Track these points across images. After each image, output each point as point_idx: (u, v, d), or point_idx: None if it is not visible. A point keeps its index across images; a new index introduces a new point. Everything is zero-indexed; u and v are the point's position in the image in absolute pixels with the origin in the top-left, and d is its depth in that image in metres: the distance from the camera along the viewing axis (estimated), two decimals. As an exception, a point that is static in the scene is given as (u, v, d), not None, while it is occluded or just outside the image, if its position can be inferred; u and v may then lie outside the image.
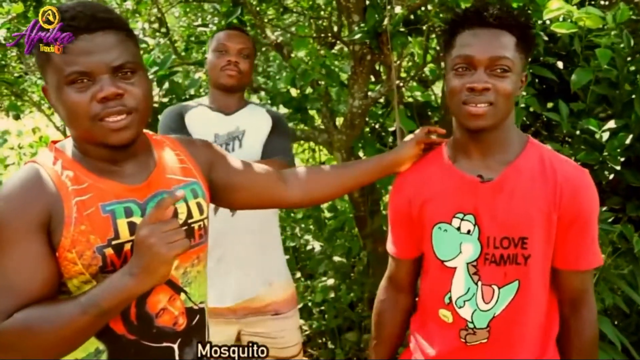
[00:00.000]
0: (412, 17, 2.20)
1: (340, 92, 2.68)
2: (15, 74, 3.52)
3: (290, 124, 2.56)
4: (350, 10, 2.20)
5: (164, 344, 1.07)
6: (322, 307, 2.92)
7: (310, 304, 3.03)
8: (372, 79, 2.66)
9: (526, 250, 1.17)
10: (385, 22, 1.97)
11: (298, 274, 3.28)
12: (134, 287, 0.94)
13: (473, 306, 1.21)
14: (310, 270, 3.15)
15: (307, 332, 2.99)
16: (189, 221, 1.11)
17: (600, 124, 1.73)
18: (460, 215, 1.20)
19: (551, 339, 1.26)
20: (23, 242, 0.94)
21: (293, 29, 3.47)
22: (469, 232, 1.20)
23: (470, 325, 1.22)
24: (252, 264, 1.80)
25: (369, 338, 1.51)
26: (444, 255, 1.23)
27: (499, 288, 1.19)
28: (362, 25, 2.12)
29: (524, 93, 1.80)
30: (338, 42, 3.01)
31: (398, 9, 2.04)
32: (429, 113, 2.65)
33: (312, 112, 2.66)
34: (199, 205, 1.13)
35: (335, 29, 2.98)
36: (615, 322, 1.95)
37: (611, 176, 1.72)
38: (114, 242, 0.99)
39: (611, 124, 1.71)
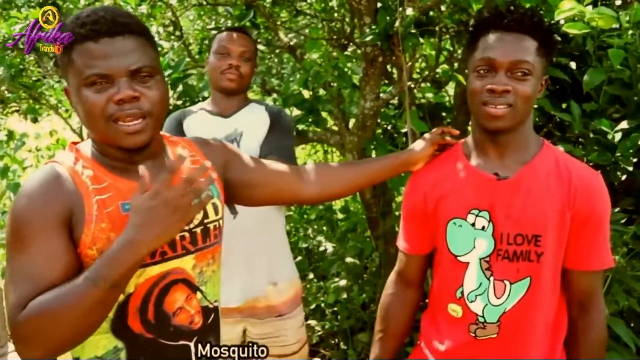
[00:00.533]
0: (424, 18, 2.20)
1: (353, 93, 2.69)
2: (34, 78, 3.58)
3: (302, 126, 2.57)
4: (361, 12, 2.21)
5: (181, 342, 1.09)
6: (335, 308, 2.92)
7: (322, 304, 3.04)
8: (385, 80, 2.67)
9: (539, 248, 1.19)
10: (397, 24, 1.98)
11: (311, 275, 3.29)
12: (134, 247, 0.92)
13: (484, 301, 1.23)
14: (322, 272, 3.16)
15: (319, 333, 3.00)
16: (205, 221, 1.13)
17: (613, 124, 1.72)
18: (476, 212, 1.23)
19: (559, 340, 1.27)
20: (44, 237, 0.96)
21: (306, 31, 3.49)
22: (483, 228, 1.22)
23: (481, 320, 1.24)
24: (256, 264, 1.81)
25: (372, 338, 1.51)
26: (458, 250, 1.25)
27: (511, 284, 1.21)
28: (373, 27, 2.13)
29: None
30: (351, 44, 3.02)
31: (409, 11, 2.04)
32: (442, 114, 2.65)
33: (325, 114, 2.68)
34: (214, 206, 1.16)
35: (348, 30, 2.99)
36: (632, 325, 1.93)
37: (624, 177, 1.71)
38: None
39: (624, 124, 1.70)
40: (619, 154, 1.67)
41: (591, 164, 1.75)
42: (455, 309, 1.27)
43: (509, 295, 1.22)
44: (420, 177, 1.34)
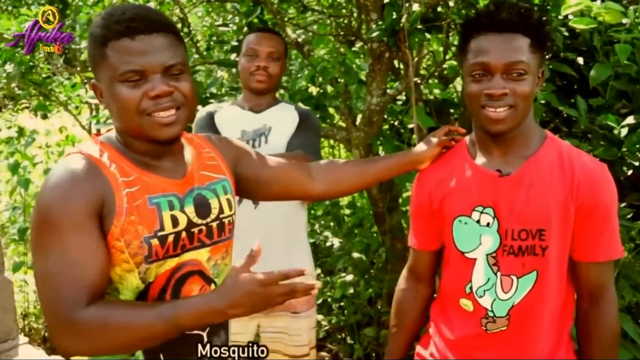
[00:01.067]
0: (431, 14, 2.20)
1: (359, 89, 2.70)
2: (43, 75, 3.61)
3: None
4: (368, 8, 2.21)
5: (194, 332, 1.12)
6: (342, 303, 2.94)
7: (329, 299, 3.05)
8: (392, 76, 2.67)
9: (544, 242, 1.19)
10: (403, 19, 1.98)
11: (318, 270, 3.31)
12: (216, 315, 0.98)
13: (493, 295, 1.24)
14: (329, 267, 3.17)
15: (326, 328, 3.01)
16: (221, 216, 1.16)
17: (620, 119, 1.71)
18: (480, 209, 1.24)
19: (566, 329, 1.28)
20: (82, 229, 0.98)
21: (314, 27, 3.49)
22: (488, 224, 1.23)
23: (490, 314, 1.25)
24: (274, 258, 1.82)
25: (387, 333, 1.53)
26: (465, 247, 1.27)
27: (518, 278, 1.22)
28: (380, 23, 2.13)
29: (544, 88, 1.80)
30: (358, 40, 3.03)
31: (416, 7, 2.04)
32: (449, 110, 2.65)
33: (331, 110, 2.69)
34: (228, 202, 1.19)
35: (356, 27, 2.99)
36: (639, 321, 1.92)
37: (630, 172, 1.71)
38: (159, 234, 1.04)
39: (630, 119, 1.70)
40: (625, 149, 1.67)
41: (597, 159, 1.75)
42: (466, 304, 1.28)
43: (516, 290, 1.23)
44: (426, 176, 1.36)
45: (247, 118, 1.87)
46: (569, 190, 1.18)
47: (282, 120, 1.88)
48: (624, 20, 1.70)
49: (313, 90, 2.99)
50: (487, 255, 1.24)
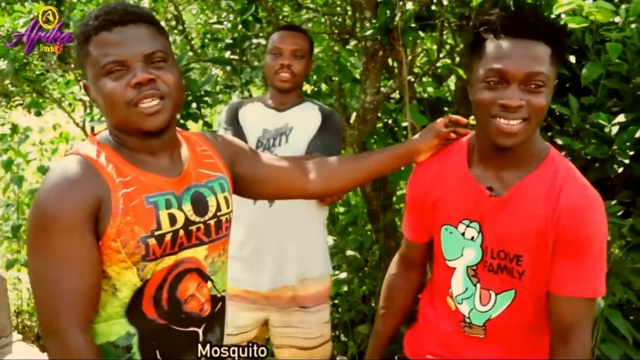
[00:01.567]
0: (425, 12, 2.21)
1: (353, 87, 2.71)
2: (37, 72, 3.59)
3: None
4: (362, 6, 2.22)
5: (190, 329, 1.12)
6: (336, 301, 2.94)
7: (323, 297, 3.05)
8: (386, 74, 2.68)
9: (520, 267, 1.17)
10: (397, 18, 1.99)
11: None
12: None
13: (471, 305, 1.24)
14: (324, 264, 3.17)
15: (320, 325, 3.01)
16: (218, 214, 1.16)
17: (611, 117, 1.72)
18: (467, 222, 1.22)
19: (544, 343, 1.23)
20: (75, 235, 0.98)
21: (309, 25, 3.49)
22: (472, 238, 1.22)
23: (468, 321, 1.25)
24: (288, 256, 1.83)
25: (375, 315, 1.52)
26: (448, 255, 1.27)
27: (496, 294, 1.21)
28: (373, 21, 2.14)
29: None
30: (352, 38, 3.03)
31: (409, 5, 2.05)
32: (443, 108, 2.66)
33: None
34: (225, 199, 1.19)
35: (350, 25, 3.00)
36: (631, 318, 1.94)
37: (620, 170, 1.72)
38: (156, 233, 1.05)
39: (621, 117, 1.71)
40: (615, 147, 1.68)
41: (588, 157, 1.77)
42: (450, 303, 1.29)
43: (494, 304, 1.21)
44: (423, 169, 1.32)
45: (270, 116, 1.86)
46: (550, 219, 1.12)
47: (305, 120, 1.86)
48: (616, 19, 1.72)
49: (307, 88, 2.99)
50: (467, 267, 1.23)
